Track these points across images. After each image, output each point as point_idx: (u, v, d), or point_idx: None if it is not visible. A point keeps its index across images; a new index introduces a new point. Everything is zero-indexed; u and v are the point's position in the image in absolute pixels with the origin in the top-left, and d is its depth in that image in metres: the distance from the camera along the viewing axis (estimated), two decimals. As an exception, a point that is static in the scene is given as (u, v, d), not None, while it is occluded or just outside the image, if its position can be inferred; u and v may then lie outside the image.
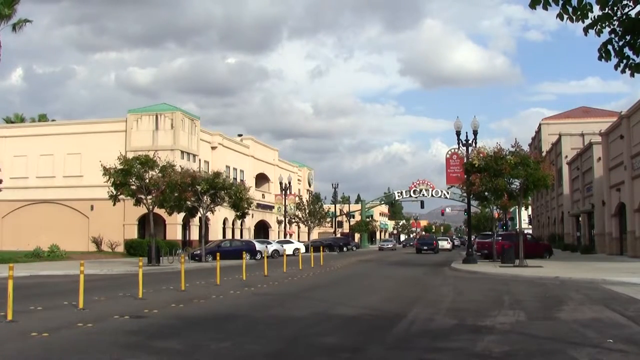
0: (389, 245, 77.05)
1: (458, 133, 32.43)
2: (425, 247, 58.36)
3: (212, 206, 36.08)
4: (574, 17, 5.79)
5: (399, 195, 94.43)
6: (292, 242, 55.03)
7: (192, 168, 40.63)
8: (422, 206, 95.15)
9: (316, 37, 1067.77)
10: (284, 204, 60.29)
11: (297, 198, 66.10)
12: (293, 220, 65.62)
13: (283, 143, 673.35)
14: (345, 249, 65.41)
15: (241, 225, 58.85)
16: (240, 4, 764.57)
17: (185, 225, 50.07)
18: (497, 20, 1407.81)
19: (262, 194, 66.62)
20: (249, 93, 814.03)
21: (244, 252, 27.52)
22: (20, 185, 50.17)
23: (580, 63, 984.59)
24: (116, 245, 46.00)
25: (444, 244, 69.05)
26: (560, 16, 5.82)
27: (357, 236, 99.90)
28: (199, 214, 36.39)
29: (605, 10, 5.84)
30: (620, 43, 5.93)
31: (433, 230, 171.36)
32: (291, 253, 45.84)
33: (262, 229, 68.16)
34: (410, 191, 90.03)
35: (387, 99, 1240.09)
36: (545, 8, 5.81)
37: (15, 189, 49.26)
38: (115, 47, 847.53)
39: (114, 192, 31.98)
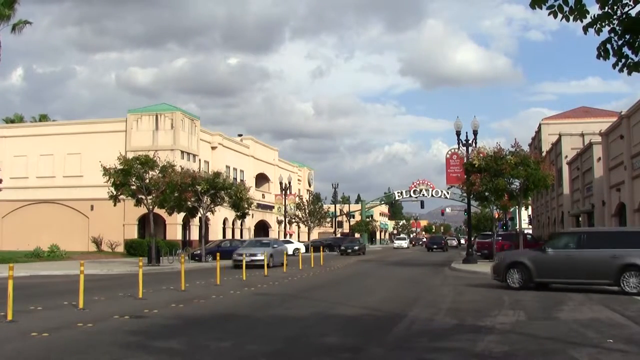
0: None
1: (458, 133, 32.47)
2: (435, 246, 64.08)
3: (212, 206, 36.08)
4: (571, 17, 5.79)
5: (399, 195, 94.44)
6: (292, 242, 55.02)
7: (192, 168, 40.65)
8: (422, 206, 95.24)
9: (318, 38, 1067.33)
10: (284, 204, 60.28)
11: (297, 198, 66.10)
12: (293, 220, 65.61)
13: (283, 143, 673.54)
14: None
15: (241, 225, 58.83)
16: (243, 4, 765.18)
17: (185, 225, 50.06)
18: (498, 20, 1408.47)
19: (262, 194, 66.61)
20: (250, 93, 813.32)
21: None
22: (20, 185, 50.13)
23: (580, 63, 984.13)
24: (116, 245, 46.01)
25: (452, 242, 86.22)
26: (554, 14, 5.80)
27: (357, 236, 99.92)
28: (199, 214, 36.38)
29: (605, 9, 5.84)
30: (620, 42, 5.94)
31: (433, 230, 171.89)
32: (291, 253, 45.83)
33: (262, 229, 68.15)
34: (410, 191, 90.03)
35: (388, 99, 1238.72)
36: (541, 8, 5.81)
37: (15, 189, 49.21)
38: (116, 47, 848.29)
39: (114, 192, 32.04)
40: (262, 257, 29.15)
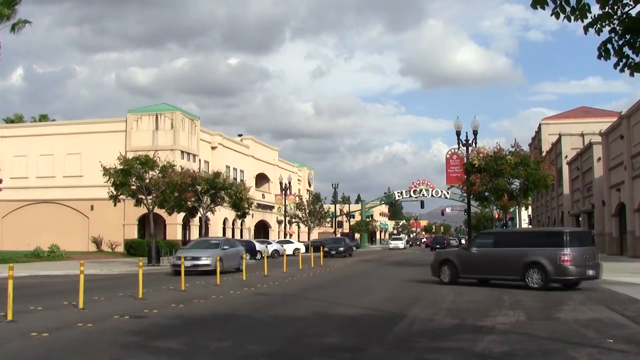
0: None
1: (458, 133, 32.43)
2: (437, 246, 64.35)
3: (212, 206, 36.08)
4: (572, 17, 5.78)
5: (399, 195, 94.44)
6: (292, 242, 55.03)
7: (192, 168, 40.65)
8: (422, 206, 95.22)
9: (318, 38, 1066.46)
10: (284, 204, 60.29)
11: (297, 198, 66.13)
12: (293, 220, 65.62)
13: (283, 143, 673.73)
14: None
15: (241, 225, 58.84)
16: (243, 4, 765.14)
17: (185, 225, 50.06)
18: (498, 20, 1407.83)
19: (262, 194, 66.63)
20: (250, 93, 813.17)
21: (244, 252, 27.47)
22: (20, 185, 50.15)
23: (581, 63, 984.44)
24: (116, 245, 46.00)
25: (453, 242, 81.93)
26: (556, 15, 5.79)
27: (357, 236, 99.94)
28: (199, 214, 36.39)
29: (605, 9, 5.83)
30: (620, 42, 5.93)
31: (433, 230, 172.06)
32: (291, 253, 45.83)
33: (262, 229, 68.17)
34: (410, 191, 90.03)
35: (388, 99, 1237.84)
36: (543, 8, 5.80)
37: (15, 189, 49.24)
38: (117, 47, 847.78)
39: (114, 192, 32.06)
40: (207, 262, 24.92)
